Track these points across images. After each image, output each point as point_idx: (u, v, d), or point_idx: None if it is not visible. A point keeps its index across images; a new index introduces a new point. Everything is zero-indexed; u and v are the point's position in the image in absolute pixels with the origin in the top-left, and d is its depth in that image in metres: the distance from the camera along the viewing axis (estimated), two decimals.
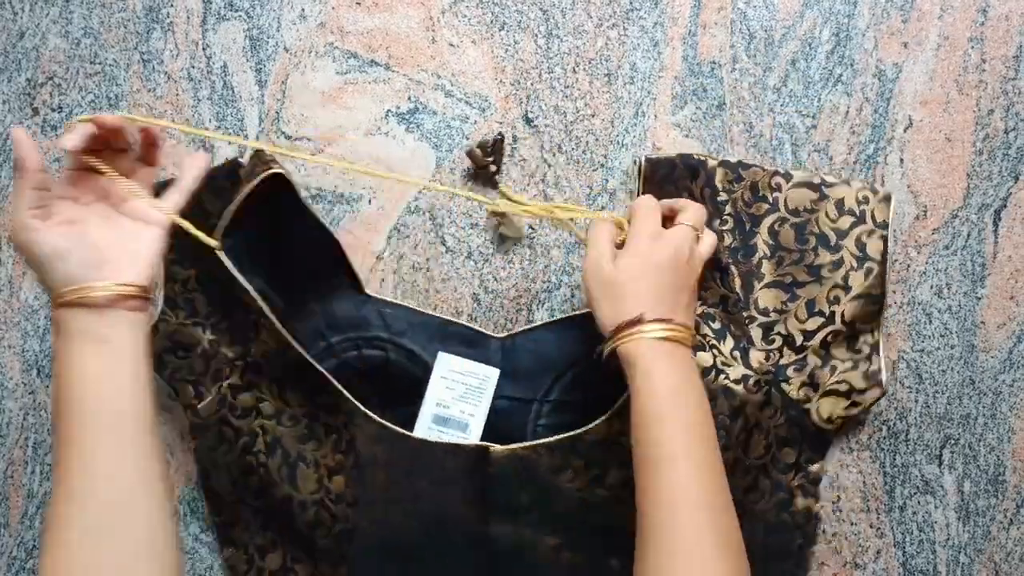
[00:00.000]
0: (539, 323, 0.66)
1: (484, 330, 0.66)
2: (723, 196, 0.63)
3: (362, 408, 0.59)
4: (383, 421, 0.59)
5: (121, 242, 0.51)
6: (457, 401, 0.63)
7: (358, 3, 0.69)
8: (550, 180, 0.68)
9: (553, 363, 0.64)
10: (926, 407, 0.66)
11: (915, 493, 0.65)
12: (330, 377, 0.59)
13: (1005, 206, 0.66)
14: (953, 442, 0.65)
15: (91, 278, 0.48)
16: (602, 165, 0.67)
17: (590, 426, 0.58)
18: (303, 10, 0.69)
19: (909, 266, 0.66)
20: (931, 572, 0.65)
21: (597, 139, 0.68)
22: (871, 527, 0.66)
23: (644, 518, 0.49)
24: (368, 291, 0.67)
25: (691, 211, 0.57)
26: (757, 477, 0.62)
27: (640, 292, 0.54)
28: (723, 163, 0.64)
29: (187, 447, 0.67)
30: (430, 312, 0.66)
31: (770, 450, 0.62)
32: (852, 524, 0.65)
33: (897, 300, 0.66)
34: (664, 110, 0.67)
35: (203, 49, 0.70)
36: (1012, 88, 0.66)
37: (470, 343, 0.65)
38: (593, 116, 0.68)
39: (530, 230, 0.68)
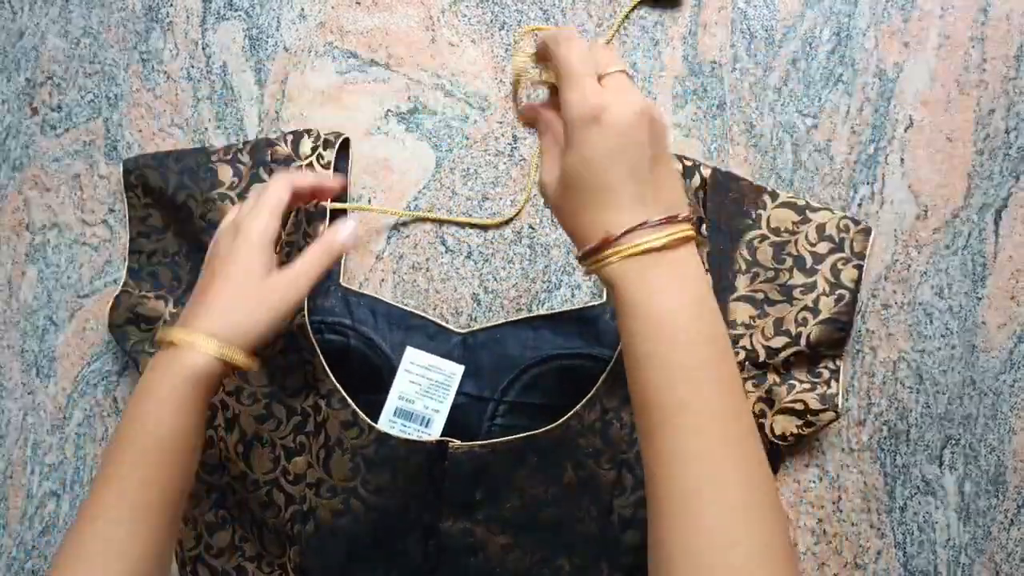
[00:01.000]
0: (501, 321, 0.66)
1: (447, 324, 0.65)
2: (710, 204, 0.63)
3: (341, 391, 0.59)
4: (356, 408, 0.59)
5: None
6: (421, 396, 0.63)
7: (358, 2, 0.69)
8: None
9: (512, 363, 0.64)
10: (927, 407, 0.65)
11: (916, 493, 0.65)
12: (320, 355, 0.59)
13: (1006, 206, 0.66)
14: (954, 442, 0.65)
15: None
16: None
17: (548, 427, 0.58)
18: (303, 9, 0.69)
19: (910, 266, 0.66)
20: (932, 572, 0.65)
21: None
22: (871, 527, 0.65)
23: (655, 503, 0.40)
24: (367, 291, 0.66)
25: (602, 51, 0.43)
26: None
27: (607, 189, 0.41)
28: (715, 171, 0.64)
29: None
30: (395, 303, 0.66)
31: None
32: (852, 524, 0.65)
33: (898, 300, 0.66)
34: (665, 110, 0.67)
35: (202, 49, 0.69)
36: (1013, 88, 0.66)
37: (431, 336, 0.65)
38: None
39: (530, 230, 0.67)
